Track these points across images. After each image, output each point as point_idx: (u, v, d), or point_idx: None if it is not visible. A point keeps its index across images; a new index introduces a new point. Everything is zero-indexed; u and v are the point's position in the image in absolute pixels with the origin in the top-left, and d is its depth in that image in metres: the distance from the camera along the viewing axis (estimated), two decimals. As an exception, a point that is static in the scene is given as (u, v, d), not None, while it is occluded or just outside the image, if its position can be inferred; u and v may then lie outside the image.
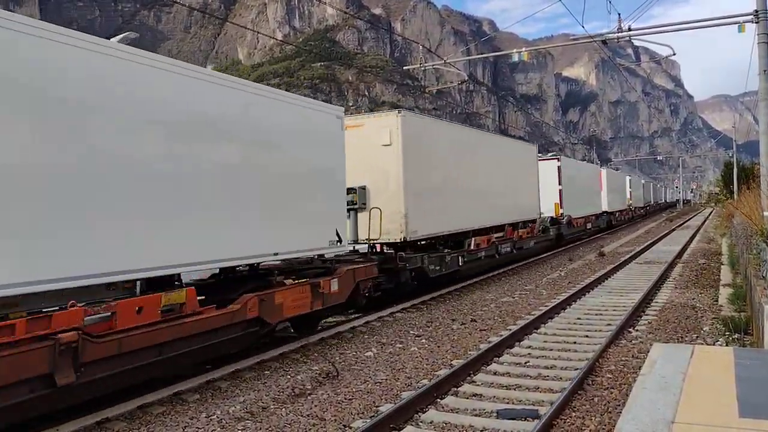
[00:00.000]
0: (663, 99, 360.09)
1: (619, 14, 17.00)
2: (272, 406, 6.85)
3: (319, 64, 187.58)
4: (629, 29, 17.16)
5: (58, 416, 6.26)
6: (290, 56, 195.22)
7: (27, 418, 5.83)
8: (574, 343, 9.34)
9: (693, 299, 12.90)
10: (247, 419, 6.45)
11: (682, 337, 9.51)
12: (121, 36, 7.99)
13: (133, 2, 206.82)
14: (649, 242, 28.40)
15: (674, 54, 18.01)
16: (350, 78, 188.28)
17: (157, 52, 7.78)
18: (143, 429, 6.25)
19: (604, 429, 5.85)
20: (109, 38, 7.42)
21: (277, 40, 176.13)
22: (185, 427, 6.27)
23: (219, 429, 6.20)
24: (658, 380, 5.52)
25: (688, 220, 53.52)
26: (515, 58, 20.25)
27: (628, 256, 22.06)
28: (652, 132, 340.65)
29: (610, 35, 17.47)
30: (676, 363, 6.03)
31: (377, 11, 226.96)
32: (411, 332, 10.67)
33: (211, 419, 6.46)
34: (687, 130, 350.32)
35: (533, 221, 21.84)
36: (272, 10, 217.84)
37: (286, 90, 13.62)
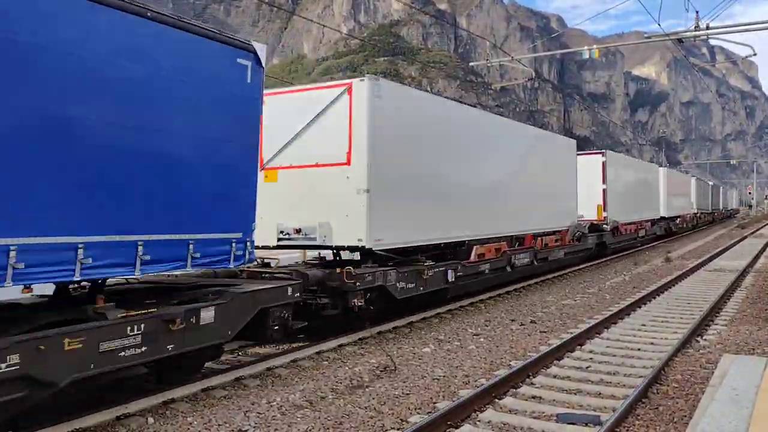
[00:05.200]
0: (738, 101, 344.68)
1: (696, 12, 16.26)
2: (330, 397, 6.94)
3: (382, 58, 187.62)
4: (707, 27, 16.44)
5: (127, 395, 6.53)
6: (354, 51, 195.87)
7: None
8: (638, 350, 9.07)
9: (766, 310, 12.34)
10: (306, 407, 6.56)
11: (753, 350, 9.11)
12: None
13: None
14: (719, 249, 27.33)
15: (755, 54, 17.20)
16: (413, 73, 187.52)
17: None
18: (206, 411, 6.44)
19: (668, 440, 5.68)
20: None
21: (342, 33, 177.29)
22: (246, 411, 6.43)
23: (279, 415, 6.33)
24: (729, 392, 5.32)
25: (762, 227, 51.20)
26: (585, 55, 19.73)
27: (696, 262, 21.29)
28: (725, 135, 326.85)
29: (686, 34, 16.78)
30: (749, 376, 5.80)
31: (442, 6, 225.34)
32: (469, 330, 10.62)
33: (271, 405, 6.60)
34: (763, 134, 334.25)
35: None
36: (338, 5, 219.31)
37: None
